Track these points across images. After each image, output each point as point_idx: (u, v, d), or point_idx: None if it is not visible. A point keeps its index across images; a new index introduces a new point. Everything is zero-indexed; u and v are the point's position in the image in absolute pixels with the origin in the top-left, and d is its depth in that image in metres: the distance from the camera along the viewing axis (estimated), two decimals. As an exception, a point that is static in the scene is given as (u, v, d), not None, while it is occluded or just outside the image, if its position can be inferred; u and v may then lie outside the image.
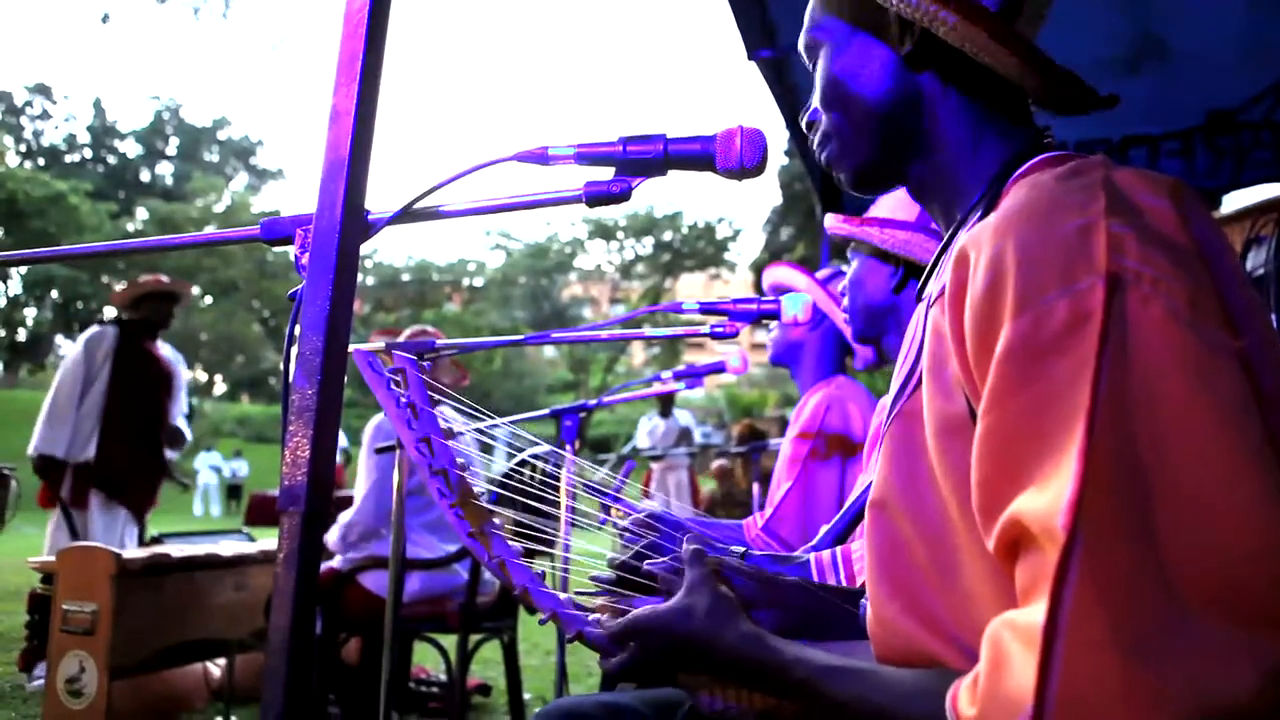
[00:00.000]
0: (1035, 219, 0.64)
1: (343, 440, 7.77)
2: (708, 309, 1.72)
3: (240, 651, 3.15)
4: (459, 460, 1.07)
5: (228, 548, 3.20)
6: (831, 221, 1.64)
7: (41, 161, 37.82)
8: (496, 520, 1.04)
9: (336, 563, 2.93)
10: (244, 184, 42.12)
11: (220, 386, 37.31)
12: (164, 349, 4.41)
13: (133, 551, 2.85)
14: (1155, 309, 0.57)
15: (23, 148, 37.90)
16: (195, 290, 36.46)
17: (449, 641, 2.90)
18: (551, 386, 31.53)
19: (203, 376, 37.22)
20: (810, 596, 1.06)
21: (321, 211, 0.77)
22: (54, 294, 34.49)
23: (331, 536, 2.90)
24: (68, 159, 39.06)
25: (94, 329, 4.22)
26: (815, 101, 0.91)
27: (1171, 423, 0.55)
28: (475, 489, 1.07)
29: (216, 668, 3.45)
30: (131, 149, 41.03)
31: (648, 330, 1.92)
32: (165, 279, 4.27)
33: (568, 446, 2.27)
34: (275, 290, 35.96)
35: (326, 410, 0.77)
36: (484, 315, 31.46)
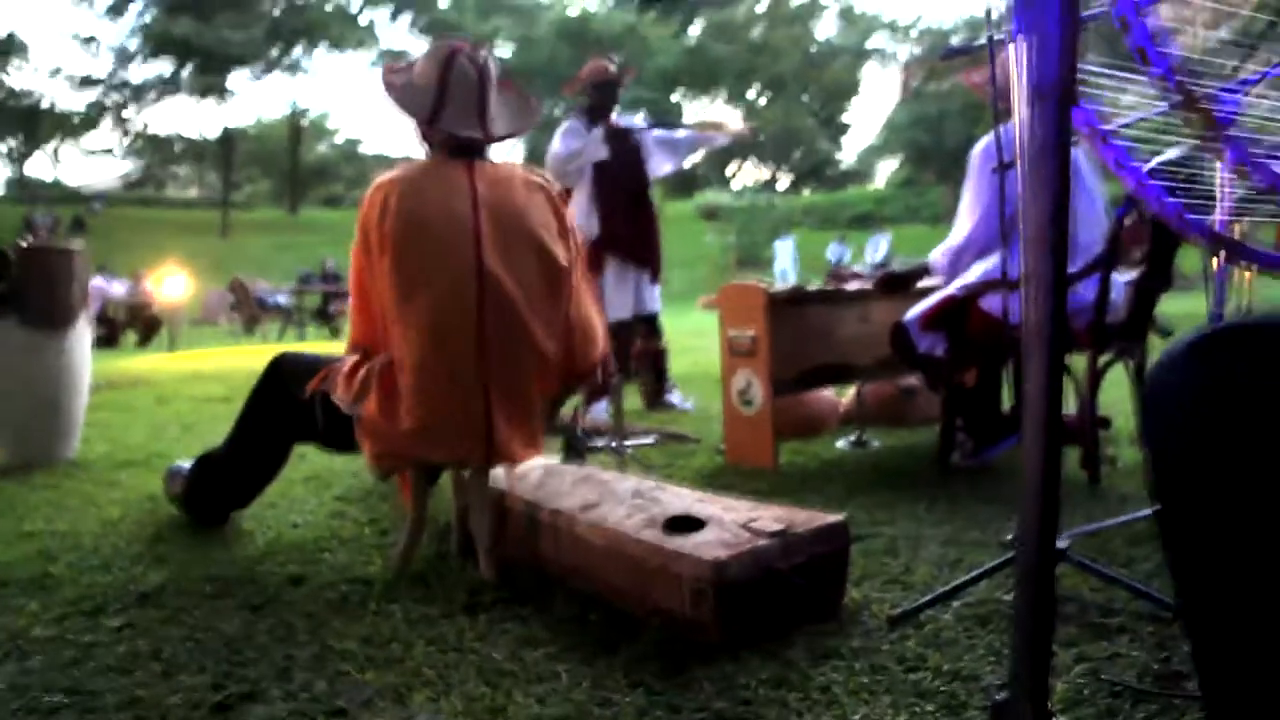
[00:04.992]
0: None
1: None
2: None
3: (866, 379, 3.50)
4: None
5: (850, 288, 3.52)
6: None
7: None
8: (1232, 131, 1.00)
9: (953, 289, 3.04)
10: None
11: (783, 181, 39.61)
12: (621, 120, 4.70)
13: (776, 288, 3.28)
14: None
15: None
16: (752, 92, 38.53)
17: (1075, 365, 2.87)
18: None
19: (765, 174, 39.73)
20: None
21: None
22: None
23: (936, 256, 3.03)
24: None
25: (566, 123, 4.57)
26: None
27: None
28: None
29: (841, 399, 3.89)
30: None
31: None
32: (610, 66, 4.64)
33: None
34: (821, 80, 36.38)
35: (1059, 167, 0.89)
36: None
